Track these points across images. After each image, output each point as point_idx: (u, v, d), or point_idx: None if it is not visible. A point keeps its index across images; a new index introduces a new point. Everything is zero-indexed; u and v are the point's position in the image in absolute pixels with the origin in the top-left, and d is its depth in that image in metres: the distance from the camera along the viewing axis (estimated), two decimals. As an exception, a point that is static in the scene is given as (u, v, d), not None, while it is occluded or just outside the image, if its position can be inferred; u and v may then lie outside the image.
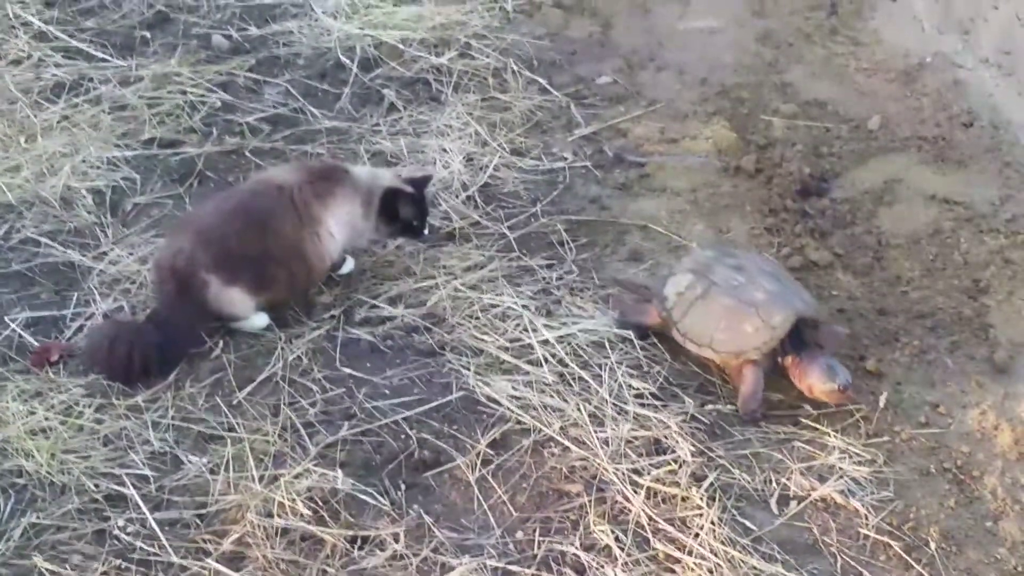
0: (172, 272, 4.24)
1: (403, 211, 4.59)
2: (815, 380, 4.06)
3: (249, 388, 4.08)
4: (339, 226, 4.46)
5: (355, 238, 4.62)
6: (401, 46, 5.99)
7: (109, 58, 5.84)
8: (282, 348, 4.23)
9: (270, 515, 3.60)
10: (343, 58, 5.90)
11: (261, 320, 4.38)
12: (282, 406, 3.99)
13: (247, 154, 5.25)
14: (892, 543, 3.66)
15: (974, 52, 6.26)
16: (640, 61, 6.19)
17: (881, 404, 4.12)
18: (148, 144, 5.28)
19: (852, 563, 3.60)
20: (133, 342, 4.14)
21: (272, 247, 4.32)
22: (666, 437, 3.94)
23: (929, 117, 5.78)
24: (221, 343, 4.25)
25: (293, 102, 5.62)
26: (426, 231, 4.73)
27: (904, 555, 3.64)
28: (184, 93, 5.59)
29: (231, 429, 3.91)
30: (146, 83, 5.63)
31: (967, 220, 5.06)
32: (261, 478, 3.72)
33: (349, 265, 4.66)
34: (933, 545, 3.67)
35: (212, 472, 3.76)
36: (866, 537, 3.69)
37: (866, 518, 3.74)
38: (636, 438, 3.94)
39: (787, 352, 4.13)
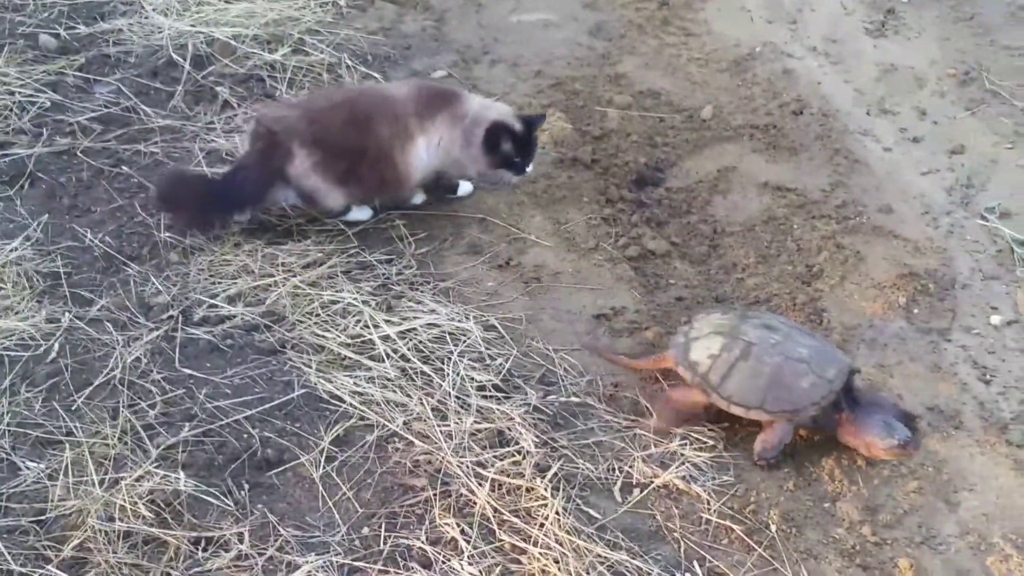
0: (268, 133, 4.69)
1: (503, 146, 4.87)
2: (874, 438, 3.93)
3: (87, 391, 4.01)
4: (431, 148, 4.83)
5: (451, 165, 4.91)
6: (234, 43, 5.93)
7: (-67, 59, 5.72)
8: (120, 350, 4.17)
9: (111, 519, 3.55)
10: (175, 56, 5.82)
11: (362, 213, 4.92)
12: (121, 408, 3.93)
13: (79, 154, 5.16)
14: (734, 526, 3.72)
15: (802, 41, 6.41)
16: (475, 55, 6.20)
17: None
18: (-24, 146, 5.18)
19: (695, 547, 3.65)
20: (198, 188, 4.82)
21: (369, 148, 4.73)
22: (509, 429, 3.96)
23: (760, 106, 5.88)
24: (57, 346, 4.18)
25: (125, 101, 5.53)
26: (528, 169, 5.02)
27: (746, 538, 3.70)
28: (12, 94, 5.47)
29: (69, 433, 3.85)
30: (-28, 84, 5.52)
31: (799, 207, 5.16)
32: (101, 482, 3.67)
33: (466, 188, 5.12)
34: (773, 527, 3.74)
35: (51, 478, 3.69)
36: (708, 521, 3.75)
37: (708, 503, 3.79)
38: (479, 430, 3.95)
39: (842, 408, 3.98)
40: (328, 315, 4.39)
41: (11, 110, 5.38)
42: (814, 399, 3.92)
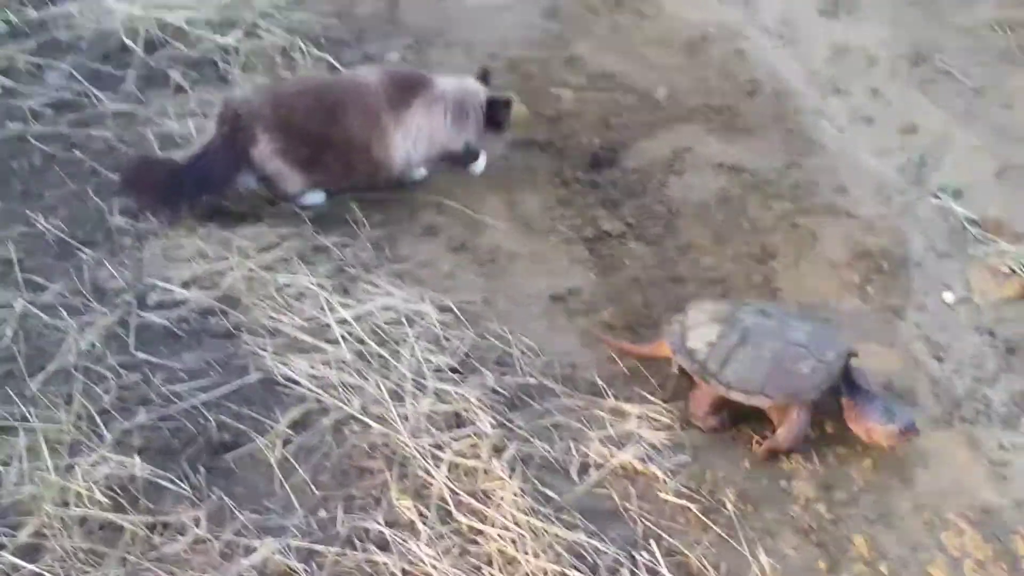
0: (234, 117, 4.71)
1: (502, 117, 5.12)
2: (874, 423, 3.89)
3: (41, 377, 3.98)
4: (408, 137, 4.87)
5: (435, 147, 4.96)
6: (186, 26, 5.91)
7: None
8: (74, 336, 4.15)
9: (67, 505, 3.53)
10: (127, 40, 5.79)
11: (316, 197, 4.92)
12: (76, 394, 3.91)
13: (31, 139, 5.13)
14: (690, 506, 3.72)
15: (756, 22, 6.42)
16: (429, 38, 6.19)
17: (675, 369, 4.15)
18: (-74, 131, 5.14)
19: (652, 527, 3.65)
20: (165, 172, 4.81)
21: (334, 136, 4.77)
22: (466, 410, 3.95)
23: (715, 87, 5.89)
24: (10, 332, 4.15)
25: (77, 85, 5.50)
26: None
27: (702, 517, 3.70)
28: (-38, 79, 5.45)
29: (23, 419, 3.82)
30: (-78, 69, 5.48)
31: (754, 187, 5.18)
32: (56, 468, 3.64)
33: (481, 165, 5.19)
34: (730, 506, 3.74)
35: (4, 464, 3.67)
36: (665, 501, 3.74)
37: (665, 482, 3.79)
38: (436, 413, 3.94)
39: (843, 393, 3.95)
40: (283, 298, 4.37)
41: (-38, 96, 5.36)
42: (815, 383, 3.89)
